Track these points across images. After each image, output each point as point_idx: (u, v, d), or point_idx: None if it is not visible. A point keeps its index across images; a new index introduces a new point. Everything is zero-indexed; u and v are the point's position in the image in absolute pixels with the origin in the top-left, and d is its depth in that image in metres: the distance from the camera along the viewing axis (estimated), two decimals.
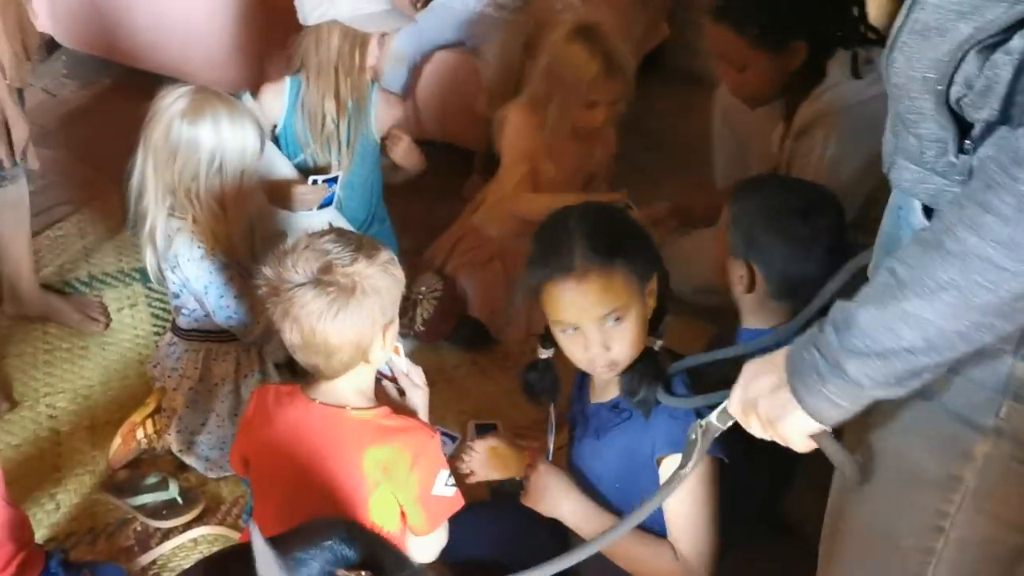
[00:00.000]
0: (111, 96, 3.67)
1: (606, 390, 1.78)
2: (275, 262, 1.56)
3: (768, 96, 2.45)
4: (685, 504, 1.64)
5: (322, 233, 1.62)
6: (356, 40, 2.50)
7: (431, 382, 2.58)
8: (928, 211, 1.07)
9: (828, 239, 1.84)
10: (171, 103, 2.11)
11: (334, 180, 2.53)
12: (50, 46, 3.81)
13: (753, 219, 1.87)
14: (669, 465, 1.64)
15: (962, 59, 0.95)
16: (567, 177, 2.81)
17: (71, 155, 3.37)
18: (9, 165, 2.37)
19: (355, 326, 1.55)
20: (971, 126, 0.99)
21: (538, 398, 1.89)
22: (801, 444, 1.13)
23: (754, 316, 1.93)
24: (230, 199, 2.15)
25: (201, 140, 2.09)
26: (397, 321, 1.66)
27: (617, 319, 1.62)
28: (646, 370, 1.66)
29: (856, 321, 1.00)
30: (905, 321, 0.97)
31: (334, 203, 2.57)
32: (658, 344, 1.70)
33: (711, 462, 1.64)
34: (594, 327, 1.62)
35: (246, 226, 2.24)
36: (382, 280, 1.57)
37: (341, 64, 2.52)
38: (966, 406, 1.07)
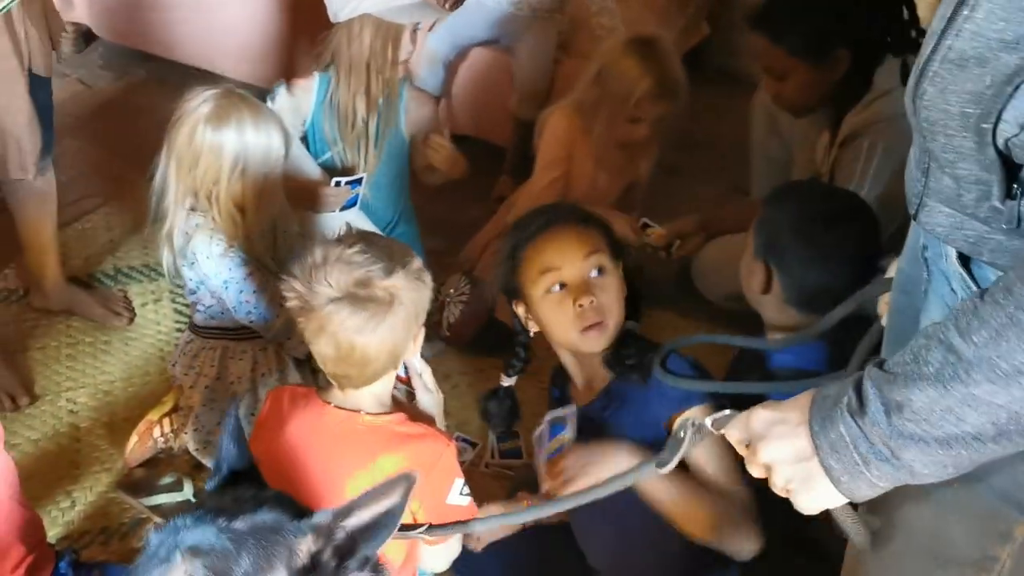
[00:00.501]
0: (145, 88, 3.66)
1: (590, 388, 1.78)
2: (305, 276, 1.53)
3: (811, 105, 2.38)
4: (714, 456, 1.65)
5: (348, 241, 1.58)
6: (389, 35, 2.45)
7: (454, 385, 2.59)
8: (963, 257, 0.96)
9: (852, 250, 1.78)
10: (196, 107, 2.09)
11: (358, 182, 2.49)
12: (87, 37, 3.82)
13: (777, 222, 1.85)
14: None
15: (1012, 94, 0.84)
16: (608, 184, 2.75)
17: (102, 147, 3.36)
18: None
19: (393, 337, 1.55)
20: (1020, 167, 0.88)
21: (498, 426, 1.90)
22: (814, 511, 1.04)
23: (776, 325, 1.87)
24: (250, 202, 2.12)
25: (225, 145, 2.07)
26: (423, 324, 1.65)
27: (600, 269, 1.71)
28: (630, 344, 1.71)
29: (910, 402, 0.89)
30: (971, 405, 0.86)
31: (358, 203, 2.53)
32: (636, 327, 1.75)
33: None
34: (580, 271, 1.71)
35: (266, 227, 2.20)
36: (416, 290, 1.57)
37: (373, 60, 2.47)
38: (1011, 484, 0.98)
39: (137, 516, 2.19)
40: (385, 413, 1.63)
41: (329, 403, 1.62)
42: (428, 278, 1.60)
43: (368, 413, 1.61)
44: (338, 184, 2.47)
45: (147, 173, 3.17)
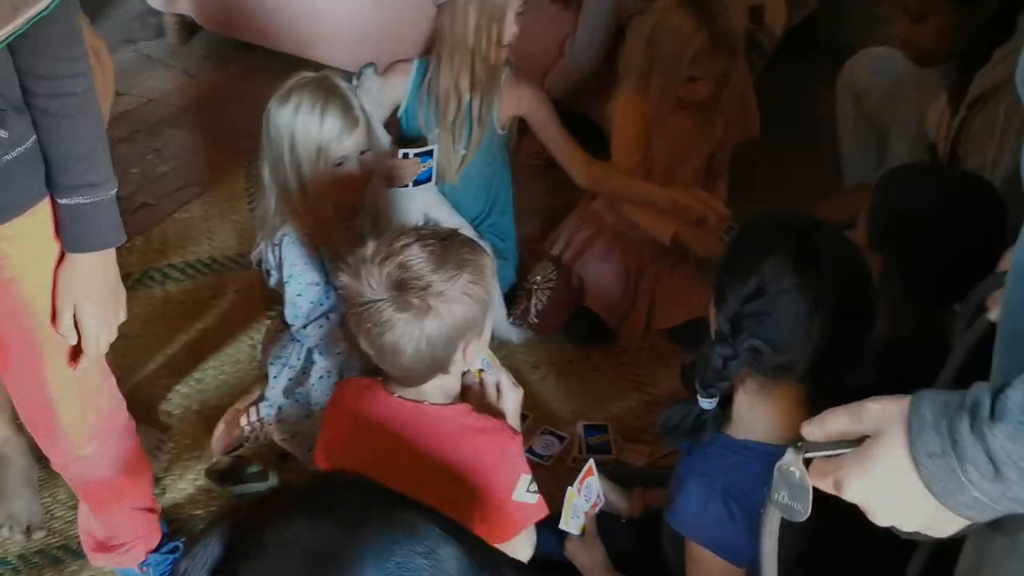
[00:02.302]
0: (246, 77, 3.70)
1: None
2: (354, 269, 1.50)
3: (944, 53, 2.14)
4: None
5: (408, 237, 1.51)
6: (494, 13, 2.36)
7: (543, 376, 2.54)
8: None
9: (977, 240, 1.63)
10: (278, 91, 2.08)
11: (429, 154, 2.38)
12: (191, 28, 3.89)
13: (894, 209, 1.71)
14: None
15: None
16: (681, 155, 2.62)
17: (204, 136, 3.43)
18: None
19: (431, 350, 1.49)
20: None
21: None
22: None
23: (888, 319, 1.75)
24: (309, 184, 2.07)
25: (281, 126, 2.05)
26: (486, 333, 1.59)
27: None
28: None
29: None
30: None
31: (432, 179, 2.42)
32: (709, 404, 1.54)
33: None
34: None
35: (339, 213, 2.14)
36: (459, 304, 1.49)
37: (477, 40, 2.38)
38: None
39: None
40: (449, 403, 1.60)
41: (393, 393, 1.59)
42: (482, 292, 1.52)
43: (432, 403, 1.58)
44: (406, 156, 2.37)
45: (244, 161, 3.25)
